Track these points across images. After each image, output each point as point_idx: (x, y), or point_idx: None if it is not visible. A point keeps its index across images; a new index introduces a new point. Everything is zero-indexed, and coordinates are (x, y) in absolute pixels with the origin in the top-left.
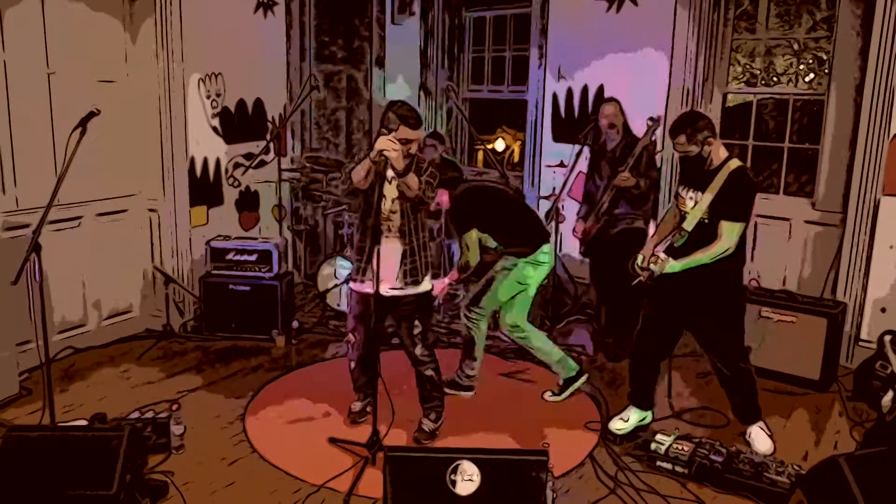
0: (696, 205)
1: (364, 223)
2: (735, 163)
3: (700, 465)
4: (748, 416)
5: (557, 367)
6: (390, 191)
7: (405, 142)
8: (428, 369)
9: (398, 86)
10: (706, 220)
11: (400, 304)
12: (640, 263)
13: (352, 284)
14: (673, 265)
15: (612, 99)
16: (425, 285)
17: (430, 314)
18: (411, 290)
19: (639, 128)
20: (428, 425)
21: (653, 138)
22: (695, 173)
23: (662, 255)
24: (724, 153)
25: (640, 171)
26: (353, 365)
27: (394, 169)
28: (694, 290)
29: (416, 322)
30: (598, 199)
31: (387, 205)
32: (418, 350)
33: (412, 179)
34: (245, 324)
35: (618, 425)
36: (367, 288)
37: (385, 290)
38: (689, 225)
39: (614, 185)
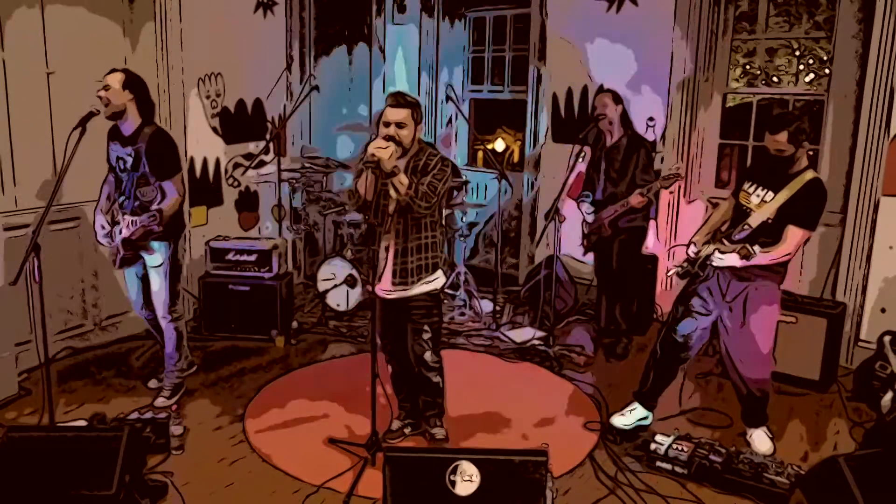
0: (761, 202)
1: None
2: (812, 173)
3: (699, 466)
4: (754, 420)
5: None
6: (393, 191)
7: (391, 138)
8: (436, 376)
9: (398, 85)
10: (770, 221)
11: (398, 307)
12: (691, 252)
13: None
14: (720, 258)
15: (606, 90)
16: (423, 287)
17: (433, 316)
18: (402, 293)
19: (639, 128)
20: (439, 432)
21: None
22: (768, 172)
23: (729, 245)
24: (806, 161)
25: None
26: (390, 371)
27: (383, 170)
28: (733, 296)
29: (426, 327)
30: (604, 207)
31: (391, 206)
32: (428, 356)
33: (399, 181)
34: (245, 324)
35: (619, 420)
36: (379, 291)
37: (382, 292)
38: (754, 221)
39: (630, 204)
